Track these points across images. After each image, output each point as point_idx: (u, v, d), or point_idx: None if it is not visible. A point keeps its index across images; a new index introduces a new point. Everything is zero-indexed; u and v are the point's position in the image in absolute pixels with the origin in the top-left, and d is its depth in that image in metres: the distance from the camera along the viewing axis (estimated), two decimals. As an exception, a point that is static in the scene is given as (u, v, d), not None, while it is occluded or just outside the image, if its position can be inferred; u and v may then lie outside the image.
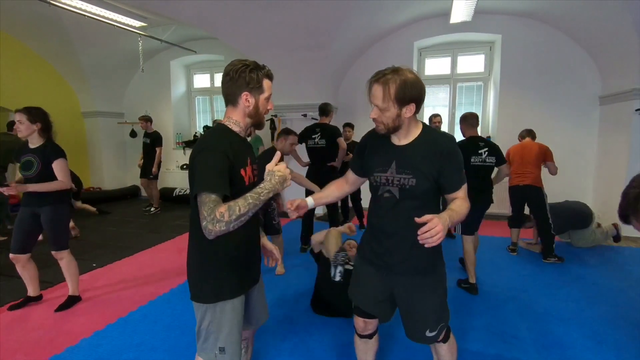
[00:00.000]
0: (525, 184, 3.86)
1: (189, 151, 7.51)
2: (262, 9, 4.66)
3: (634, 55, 4.36)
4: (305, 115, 5.82)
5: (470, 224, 3.20)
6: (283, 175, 1.28)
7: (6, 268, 3.65)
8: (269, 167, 1.28)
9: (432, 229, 1.11)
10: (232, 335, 1.38)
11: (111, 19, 5.24)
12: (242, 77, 1.30)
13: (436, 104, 6.51)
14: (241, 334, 1.44)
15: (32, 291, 2.94)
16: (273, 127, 6.28)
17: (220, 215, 1.11)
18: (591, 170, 5.34)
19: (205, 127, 7.30)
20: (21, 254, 2.75)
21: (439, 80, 6.38)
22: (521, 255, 4.02)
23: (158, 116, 7.72)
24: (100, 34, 5.96)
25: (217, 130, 1.35)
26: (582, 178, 5.39)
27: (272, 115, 6.25)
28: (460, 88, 6.28)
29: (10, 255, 2.74)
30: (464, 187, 1.42)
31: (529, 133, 4.16)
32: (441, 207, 1.51)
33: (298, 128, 4.94)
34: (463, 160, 1.42)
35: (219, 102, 7.84)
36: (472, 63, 6.21)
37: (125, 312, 2.75)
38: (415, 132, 1.41)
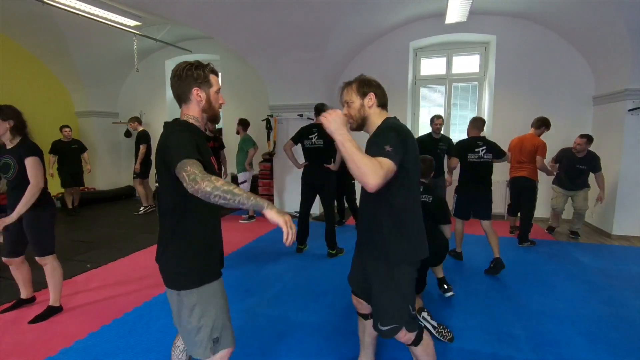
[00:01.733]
0: (520, 176, 4.21)
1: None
2: (258, 8, 4.65)
3: (627, 56, 4.41)
4: (301, 115, 5.82)
5: (458, 207, 3.78)
6: (284, 220, 1.17)
7: (2, 269, 3.62)
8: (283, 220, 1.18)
9: (331, 114, 1.40)
10: (223, 320, 1.42)
11: (105, 18, 5.20)
12: (189, 75, 1.37)
13: (431, 104, 6.54)
14: (230, 319, 1.47)
15: (24, 294, 2.89)
16: (269, 127, 6.26)
17: (215, 179, 1.15)
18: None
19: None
20: (14, 257, 2.71)
21: (434, 80, 6.40)
22: (517, 256, 4.04)
23: (153, 116, 7.69)
24: (94, 33, 5.92)
25: (180, 125, 1.39)
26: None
27: (268, 115, 6.24)
28: (455, 88, 6.31)
29: (3, 258, 2.70)
30: (381, 159, 1.32)
31: (537, 122, 4.31)
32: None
33: (294, 128, 4.94)
34: (390, 139, 1.38)
35: (215, 102, 7.81)
36: (467, 63, 6.24)
37: (120, 314, 2.73)
38: (377, 123, 1.57)
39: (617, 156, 4.68)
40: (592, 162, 4.39)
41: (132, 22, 5.58)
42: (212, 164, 1.41)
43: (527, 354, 2.21)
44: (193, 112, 1.43)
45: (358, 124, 1.61)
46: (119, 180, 8.00)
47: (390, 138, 1.39)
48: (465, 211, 3.75)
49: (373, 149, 1.38)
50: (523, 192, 4.27)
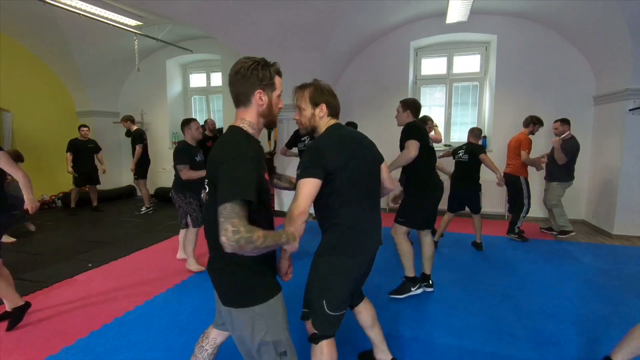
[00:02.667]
0: (506, 172, 4.46)
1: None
2: (259, 8, 4.65)
3: (628, 55, 4.40)
4: (301, 115, 5.82)
5: (449, 200, 4.15)
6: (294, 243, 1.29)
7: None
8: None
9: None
10: (287, 332, 1.33)
11: (107, 18, 5.21)
12: (254, 75, 1.25)
13: (432, 103, 6.54)
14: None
15: (9, 304, 2.59)
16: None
17: (257, 238, 1.07)
18: (585, 170, 5.38)
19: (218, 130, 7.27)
20: None
21: (435, 80, 6.40)
22: (516, 255, 4.05)
23: (154, 116, 7.69)
24: (95, 33, 5.93)
25: (238, 135, 1.27)
26: (576, 177, 5.42)
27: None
28: (456, 88, 6.31)
29: None
30: (299, 184, 1.45)
31: (525, 121, 4.49)
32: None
33: (295, 127, 4.93)
34: (306, 161, 1.47)
35: (215, 101, 7.82)
36: (467, 63, 6.24)
37: (121, 312, 2.74)
38: (319, 135, 1.61)
39: (618, 156, 4.68)
40: (573, 149, 4.40)
41: (133, 22, 5.59)
42: (266, 182, 1.29)
43: (527, 353, 2.21)
44: (250, 117, 1.30)
45: (307, 131, 1.65)
46: (119, 179, 8.01)
47: (302, 161, 1.48)
48: (453, 204, 4.16)
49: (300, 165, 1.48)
50: (511, 189, 4.51)
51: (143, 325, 2.56)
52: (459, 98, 6.34)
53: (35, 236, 4.85)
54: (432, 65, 6.43)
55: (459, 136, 6.39)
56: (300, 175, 1.43)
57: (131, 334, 2.44)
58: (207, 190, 1.26)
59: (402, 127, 2.89)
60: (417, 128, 2.83)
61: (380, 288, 3.04)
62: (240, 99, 1.29)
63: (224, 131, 1.32)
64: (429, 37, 5.97)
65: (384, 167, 1.78)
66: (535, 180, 5.01)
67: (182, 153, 3.43)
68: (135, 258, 4.02)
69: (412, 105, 2.94)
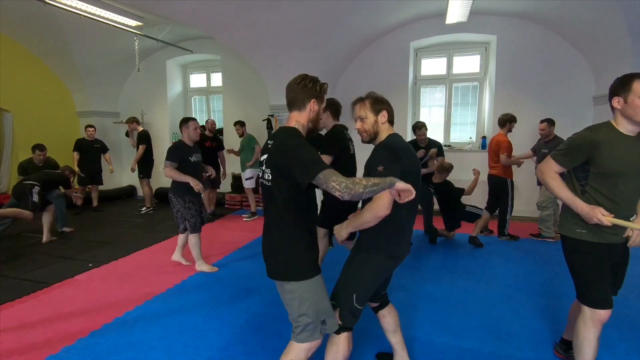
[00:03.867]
0: (492, 174, 4.47)
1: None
2: (259, 9, 4.66)
3: (627, 55, 4.41)
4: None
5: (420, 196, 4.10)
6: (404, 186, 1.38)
7: (3, 268, 3.63)
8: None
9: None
10: (328, 306, 1.55)
11: (107, 18, 5.22)
12: (314, 86, 1.56)
13: (432, 104, 6.55)
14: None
15: None
16: (270, 127, 6.28)
17: (359, 180, 1.28)
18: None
19: (201, 127, 7.27)
20: None
21: (434, 80, 6.41)
22: (517, 255, 4.05)
23: (154, 116, 7.70)
24: (95, 33, 5.94)
25: (297, 131, 1.53)
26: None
27: (268, 115, 6.25)
28: (456, 88, 6.32)
29: None
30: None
31: (499, 121, 4.51)
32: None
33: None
34: (383, 158, 1.55)
35: (215, 101, 7.83)
36: (467, 63, 6.25)
37: (122, 312, 2.75)
38: (382, 139, 1.69)
39: (618, 156, 4.67)
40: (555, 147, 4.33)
41: (133, 22, 5.60)
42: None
43: (526, 353, 2.22)
44: (302, 120, 1.56)
45: (370, 138, 1.71)
46: (120, 179, 8.02)
47: (384, 158, 1.56)
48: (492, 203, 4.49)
49: (371, 171, 1.55)
50: (496, 190, 4.49)
51: (143, 325, 2.57)
52: (458, 98, 6.34)
53: (36, 236, 4.85)
54: (432, 66, 6.43)
55: (459, 136, 6.40)
56: (386, 173, 1.49)
57: (131, 334, 2.44)
58: (268, 177, 1.50)
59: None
60: (334, 137, 2.80)
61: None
62: (296, 103, 1.56)
63: (276, 130, 1.61)
64: (429, 37, 5.98)
65: None
66: (531, 182, 5.01)
67: (174, 151, 3.40)
68: (135, 258, 4.02)
69: (332, 106, 2.83)
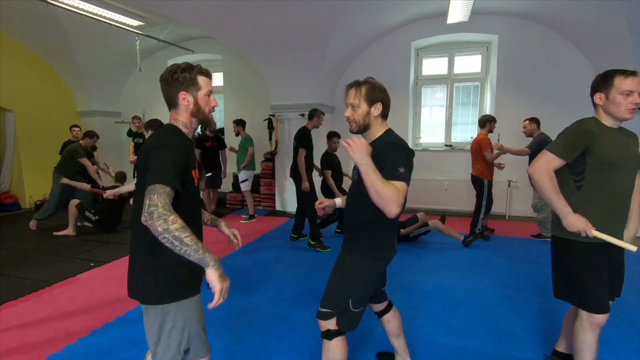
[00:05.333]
0: (472, 175, 4.50)
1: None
2: (260, 8, 4.66)
3: (629, 55, 4.40)
4: (302, 115, 5.83)
5: None
6: (220, 287, 1.21)
7: (3, 267, 3.65)
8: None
9: (355, 142, 1.39)
10: (198, 332, 1.37)
11: (108, 18, 5.23)
12: (175, 79, 1.33)
13: (433, 104, 6.55)
14: (205, 329, 1.42)
15: None
16: (271, 127, 6.28)
17: (172, 221, 1.11)
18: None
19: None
20: None
21: (436, 80, 6.41)
22: (518, 255, 4.05)
23: (155, 116, 7.61)
24: (97, 33, 5.95)
25: (170, 130, 1.35)
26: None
27: (269, 115, 6.25)
28: (457, 88, 6.31)
29: None
30: (398, 183, 1.38)
31: (479, 122, 4.54)
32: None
33: (296, 128, 4.94)
34: (402, 159, 1.44)
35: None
36: (469, 63, 6.24)
37: (123, 312, 2.75)
38: (378, 134, 1.58)
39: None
40: (537, 146, 4.20)
41: (134, 22, 5.61)
42: (193, 177, 1.36)
43: (527, 354, 2.22)
44: (182, 118, 1.38)
45: (359, 129, 1.59)
46: (121, 179, 8.03)
47: (402, 159, 1.43)
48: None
49: (385, 170, 1.39)
50: (475, 190, 4.52)
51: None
52: (460, 98, 6.34)
53: (37, 235, 4.87)
54: (433, 66, 6.43)
55: (460, 136, 6.39)
56: (403, 178, 1.40)
57: (133, 333, 2.45)
58: (137, 182, 1.31)
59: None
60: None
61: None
62: (169, 102, 1.38)
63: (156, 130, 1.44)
64: (430, 37, 5.98)
65: None
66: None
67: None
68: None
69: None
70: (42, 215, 5.13)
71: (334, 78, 6.26)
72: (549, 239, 4.43)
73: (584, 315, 1.70)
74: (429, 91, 6.52)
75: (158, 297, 1.30)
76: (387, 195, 1.33)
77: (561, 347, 2.04)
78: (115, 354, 2.22)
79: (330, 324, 1.60)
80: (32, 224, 5.13)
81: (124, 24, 5.54)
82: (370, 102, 1.54)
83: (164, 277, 1.30)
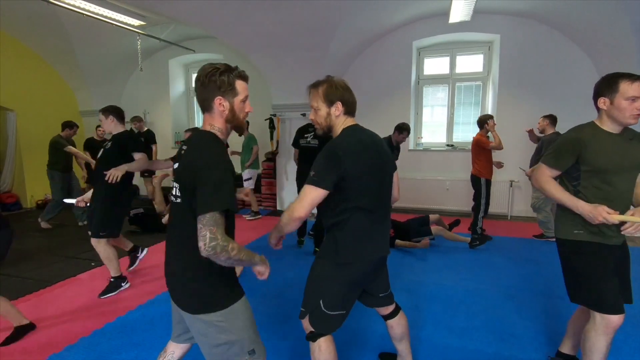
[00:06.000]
0: (472, 173, 4.47)
1: (187, 150, 7.49)
2: (261, 8, 4.65)
3: (632, 55, 4.38)
4: (304, 115, 5.82)
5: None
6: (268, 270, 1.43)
7: (4, 267, 3.64)
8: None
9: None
10: (254, 332, 1.39)
11: (110, 18, 5.23)
12: (212, 81, 1.25)
13: (435, 103, 6.53)
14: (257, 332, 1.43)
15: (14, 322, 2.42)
16: (272, 127, 6.28)
17: (232, 249, 1.16)
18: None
19: (194, 130, 7.28)
20: None
21: (437, 80, 6.39)
22: (519, 255, 4.03)
23: (156, 115, 7.72)
24: (98, 32, 5.95)
25: (212, 141, 1.29)
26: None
27: (271, 115, 6.25)
28: (459, 88, 6.29)
29: None
30: (305, 187, 1.43)
31: (477, 124, 4.52)
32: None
33: (297, 127, 4.93)
34: (319, 164, 1.44)
35: (218, 101, 7.83)
36: (470, 63, 6.22)
37: (125, 311, 2.75)
38: (336, 135, 1.54)
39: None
40: (543, 145, 4.26)
41: (136, 22, 5.61)
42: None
43: (530, 354, 2.21)
44: (217, 123, 1.31)
45: (324, 131, 1.58)
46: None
47: (320, 164, 1.44)
48: None
49: (313, 170, 1.45)
50: (474, 190, 4.49)
51: (146, 324, 2.57)
52: (461, 98, 6.32)
53: (38, 235, 4.87)
54: (435, 65, 6.41)
55: (462, 136, 6.37)
56: (312, 181, 1.41)
57: (134, 333, 2.44)
58: (176, 193, 1.29)
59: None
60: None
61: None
62: (203, 105, 1.31)
63: (193, 134, 1.37)
64: (432, 36, 5.96)
65: (395, 175, 1.74)
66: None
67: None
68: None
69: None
70: (50, 214, 5.15)
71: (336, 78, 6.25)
72: (552, 239, 4.45)
73: (597, 317, 1.65)
74: (430, 91, 6.50)
75: (219, 303, 1.28)
76: (287, 219, 1.46)
77: (565, 349, 2.02)
78: (117, 354, 2.21)
79: (308, 325, 1.60)
80: (44, 224, 5.15)
81: (125, 23, 5.54)
82: (330, 103, 1.52)
83: (220, 282, 1.31)
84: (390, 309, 1.83)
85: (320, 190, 1.41)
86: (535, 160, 4.44)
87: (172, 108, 7.68)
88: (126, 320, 2.63)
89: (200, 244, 1.13)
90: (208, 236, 1.12)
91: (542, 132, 4.43)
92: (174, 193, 1.30)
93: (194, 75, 7.83)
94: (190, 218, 1.20)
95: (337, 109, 1.52)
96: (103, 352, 2.24)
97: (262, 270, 1.40)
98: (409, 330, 1.93)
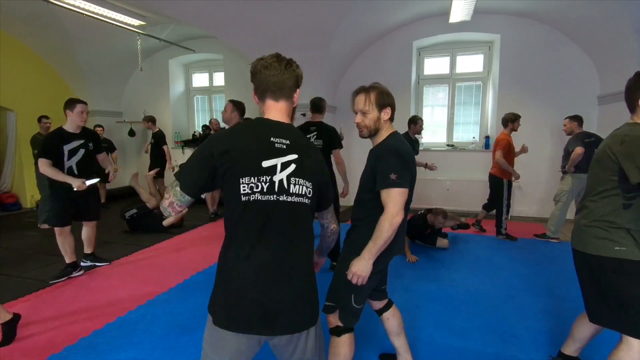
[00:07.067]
0: (490, 173, 4.49)
1: (188, 150, 7.51)
2: (261, 8, 4.65)
3: (632, 54, 4.37)
4: (304, 115, 5.81)
5: None
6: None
7: (4, 267, 3.64)
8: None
9: (352, 277, 1.50)
10: None
11: (110, 18, 5.22)
12: (300, 74, 1.24)
13: (435, 103, 6.52)
14: None
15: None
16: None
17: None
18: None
19: (204, 127, 7.28)
20: None
21: (437, 79, 6.39)
22: (520, 256, 4.03)
23: (156, 115, 7.65)
24: (98, 32, 5.95)
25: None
26: (579, 177, 5.40)
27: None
28: (459, 88, 6.29)
29: None
30: (388, 191, 1.45)
31: (502, 121, 4.47)
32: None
33: (297, 127, 4.92)
34: (394, 165, 1.47)
35: (218, 101, 7.83)
36: (471, 63, 6.22)
37: (124, 312, 2.74)
38: (381, 138, 1.63)
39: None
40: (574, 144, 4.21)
41: (136, 22, 5.60)
42: None
43: (530, 354, 2.20)
44: (290, 113, 1.26)
45: (370, 134, 1.63)
46: (123, 179, 8.02)
47: (395, 165, 1.48)
48: None
49: (379, 176, 1.49)
50: (493, 189, 4.52)
51: (145, 324, 2.56)
52: (462, 98, 6.32)
53: (38, 235, 4.87)
54: (435, 65, 6.41)
55: (462, 136, 6.37)
56: (397, 184, 1.45)
57: (133, 333, 2.44)
58: (302, 190, 1.14)
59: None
60: None
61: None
62: (285, 91, 1.20)
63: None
64: (432, 36, 5.96)
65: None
66: (535, 181, 4.98)
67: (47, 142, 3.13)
68: (137, 257, 4.02)
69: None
70: (43, 214, 5.14)
71: (336, 78, 6.25)
72: (553, 240, 4.42)
73: (634, 344, 1.49)
74: (430, 91, 6.50)
75: (319, 310, 1.25)
76: (385, 237, 1.44)
77: (568, 350, 1.97)
78: (116, 355, 2.21)
79: (335, 319, 1.66)
80: (44, 225, 5.14)
81: (126, 23, 5.54)
82: (380, 107, 1.59)
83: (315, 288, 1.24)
84: (384, 302, 1.90)
85: (406, 191, 1.49)
86: (566, 161, 4.33)
87: (172, 108, 7.67)
88: (126, 321, 2.62)
89: (335, 225, 1.33)
90: (335, 218, 1.35)
91: (569, 134, 4.36)
92: (294, 191, 1.11)
93: (194, 75, 7.93)
94: (311, 218, 1.20)
95: (387, 113, 1.60)
96: (102, 352, 2.23)
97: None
98: (409, 330, 1.92)
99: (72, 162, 3.22)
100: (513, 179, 4.43)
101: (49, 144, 3.11)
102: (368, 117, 1.59)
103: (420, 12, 5.66)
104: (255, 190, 1.07)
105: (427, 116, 6.58)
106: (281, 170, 1.10)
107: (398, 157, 1.50)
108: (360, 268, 1.46)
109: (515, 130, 4.42)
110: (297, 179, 1.11)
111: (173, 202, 1.13)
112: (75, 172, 3.24)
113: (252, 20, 4.95)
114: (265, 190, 1.08)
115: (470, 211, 4.91)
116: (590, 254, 1.57)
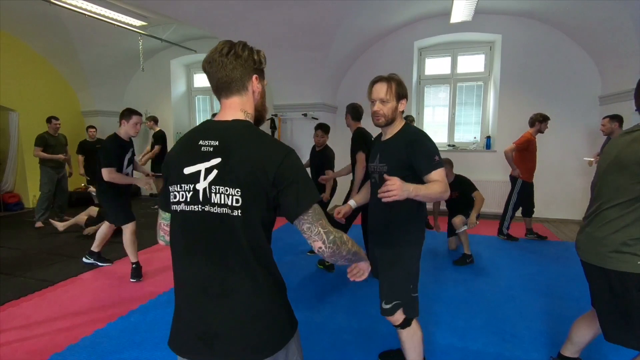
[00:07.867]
0: (510, 173, 4.49)
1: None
2: (262, 8, 4.66)
3: (634, 55, 4.37)
4: (305, 115, 5.83)
5: None
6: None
7: (6, 266, 3.66)
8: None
9: (390, 185, 1.35)
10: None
11: (111, 18, 5.24)
12: (250, 56, 1.02)
13: (436, 103, 6.52)
14: None
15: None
16: (273, 127, 6.27)
17: (347, 239, 1.00)
18: (590, 171, 5.34)
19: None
20: None
21: (439, 80, 6.38)
22: (520, 256, 4.03)
23: (158, 115, 7.69)
24: (100, 33, 5.97)
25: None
26: (581, 178, 5.40)
27: (272, 115, 6.25)
28: (460, 88, 6.29)
29: None
30: (438, 171, 1.55)
31: (529, 121, 4.44)
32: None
33: (298, 127, 4.94)
34: (435, 148, 1.59)
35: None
36: (472, 63, 6.22)
37: (126, 311, 2.75)
38: (397, 128, 1.71)
39: (624, 156, 4.62)
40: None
41: (137, 22, 5.62)
42: None
43: (531, 355, 2.20)
44: (249, 108, 1.04)
45: (387, 123, 1.68)
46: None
47: (434, 148, 1.59)
48: None
49: (423, 161, 1.56)
50: (514, 191, 4.47)
51: (147, 324, 2.57)
52: (463, 98, 6.31)
53: (41, 234, 4.88)
54: (436, 65, 6.41)
55: (463, 136, 6.37)
56: (441, 164, 1.56)
57: (135, 333, 2.45)
58: (228, 201, 0.93)
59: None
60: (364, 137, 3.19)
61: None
62: (231, 84, 1.01)
63: (214, 123, 1.03)
64: (433, 36, 5.96)
65: None
66: (536, 182, 4.97)
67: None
68: (140, 257, 4.01)
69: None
70: (40, 212, 5.19)
71: (337, 78, 6.25)
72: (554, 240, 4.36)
73: None
74: (431, 91, 6.50)
75: (284, 336, 1.01)
76: (437, 193, 1.48)
77: (568, 352, 1.96)
78: (119, 354, 2.22)
79: (401, 315, 1.70)
80: (38, 224, 5.22)
81: (127, 24, 5.55)
82: (398, 98, 1.66)
83: (285, 312, 1.03)
84: None
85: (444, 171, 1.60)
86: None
87: (174, 108, 7.69)
88: (128, 320, 2.63)
89: (318, 244, 0.94)
90: (322, 232, 0.94)
91: (609, 134, 4.19)
92: (216, 201, 0.93)
93: (196, 76, 7.93)
94: (253, 231, 0.94)
95: (403, 104, 1.68)
96: (105, 351, 2.25)
97: (365, 268, 1.17)
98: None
99: (129, 170, 3.45)
100: (518, 174, 4.41)
101: (114, 154, 3.24)
102: (387, 106, 1.65)
103: (421, 13, 5.66)
104: (180, 200, 0.97)
105: (428, 116, 6.58)
106: (205, 177, 0.94)
107: (431, 141, 1.62)
108: (402, 188, 1.35)
109: (542, 132, 4.35)
110: (217, 187, 0.93)
111: (160, 223, 1.15)
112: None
113: (253, 21, 4.96)
114: (189, 199, 0.96)
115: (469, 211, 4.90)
116: (611, 270, 1.43)
